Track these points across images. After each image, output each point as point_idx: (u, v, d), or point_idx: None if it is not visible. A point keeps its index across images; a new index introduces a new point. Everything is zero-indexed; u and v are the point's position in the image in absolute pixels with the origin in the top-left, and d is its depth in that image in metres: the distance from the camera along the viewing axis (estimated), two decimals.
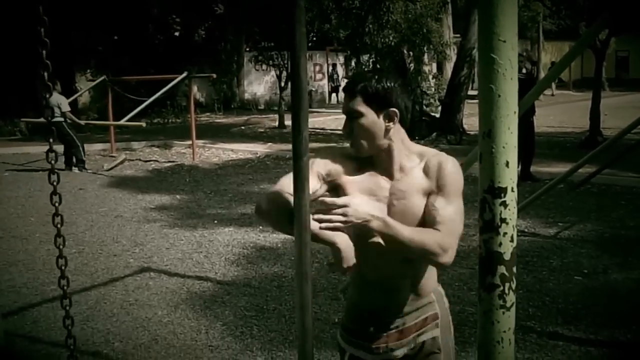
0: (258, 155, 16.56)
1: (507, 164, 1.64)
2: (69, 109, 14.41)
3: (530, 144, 11.66)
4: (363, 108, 2.45)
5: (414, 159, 2.57)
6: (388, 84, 2.47)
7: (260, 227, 8.90)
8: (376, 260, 2.51)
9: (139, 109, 15.40)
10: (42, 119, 14.59)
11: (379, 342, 2.60)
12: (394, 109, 2.48)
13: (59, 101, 13.99)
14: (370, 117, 2.46)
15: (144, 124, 14.98)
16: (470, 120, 19.98)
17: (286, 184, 2.34)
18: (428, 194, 2.50)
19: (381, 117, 2.47)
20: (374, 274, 2.58)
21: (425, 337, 2.62)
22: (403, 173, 2.54)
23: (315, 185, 2.43)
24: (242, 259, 7.57)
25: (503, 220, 1.67)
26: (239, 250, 7.91)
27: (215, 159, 16.38)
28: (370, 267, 2.55)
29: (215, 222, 9.35)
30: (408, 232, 2.34)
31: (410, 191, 2.50)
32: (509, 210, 1.67)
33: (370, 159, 2.56)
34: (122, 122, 15.34)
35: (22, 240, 8.55)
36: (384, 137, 2.50)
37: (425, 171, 2.52)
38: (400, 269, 2.56)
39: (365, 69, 19.95)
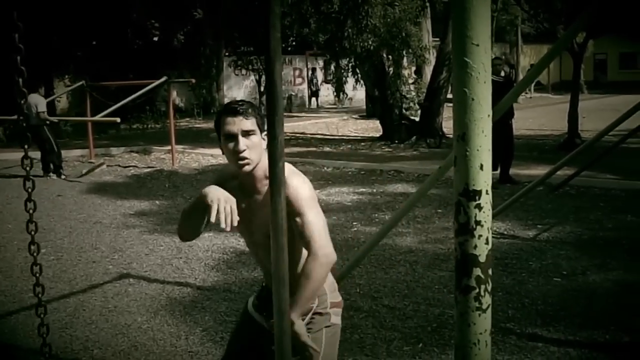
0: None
1: (481, 167, 1.65)
2: (45, 109, 14.26)
3: (509, 147, 11.72)
4: (255, 127, 2.84)
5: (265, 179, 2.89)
6: (262, 113, 2.85)
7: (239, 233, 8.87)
8: (260, 257, 3.10)
9: (116, 106, 15.18)
10: (15, 117, 14.47)
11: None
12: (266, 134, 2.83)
13: (37, 102, 13.87)
14: (259, 137, 2.84)
15: (118, 119, 14.79)
16: (449, 123, 19.91)
17: None
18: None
19: (262, 137, 2.85)
20: (263, 266, 3.10)
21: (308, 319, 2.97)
22: (261, 190, 2.91)
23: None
24: (221, 264, 7.56)
25: (478, 223, 1.67)
26: (218, 256, 7.89)
27: (194, 164, 16.33)
28: (261, 262, 3.12)
29: None
30: (303, 296, 2.76)
31: (266, 205, 2.76)
32: (484, 213, 1.67)
33: (242, 181, 2.94)
34: (98, 117, 15.21)
35: (0, 248, 8.47)
36: (261, 155, 2.84)
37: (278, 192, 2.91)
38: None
39: (342, 73, 20.00)
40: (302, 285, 2.71)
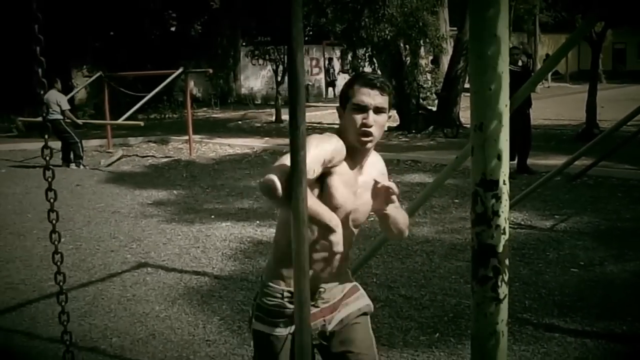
0: (255, 150, 16.57)
1: (498, 157, 1.65)
2: (69, 107, 14.43)
3: (527, 137, 11.67)
4: (387, 106, 2.71)
5: (375, 156, 2.92)
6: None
7: (258, 222, 8.92)
8: (336, 250, 2.59)
9: (135, 107, 15.37)
10: (38, 118, 14.62)
11: (315, 318, 2.74)
12: (391, 114, 2.83)
13: (59, 99, 14.01)
14: (387, 117, 2.73)
15: (142, 124, 14.95)
16: (467, 113, 19.78)
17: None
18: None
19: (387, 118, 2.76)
20: (328, 261, 2.63)
21: (352, 307, 2.91)
22: (368, 168, 2.82)
23: (318, 165, 2.54)
24: (239, 254, 7.59)
25: (495, 213, 1.68)
26: (236, 245, 7.92)
27: (212, 154, 16.38)
28: (328, 257, 2.64)
29: (213, 217, 9.36)
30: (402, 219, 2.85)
31: (370, 183, 2.73)
32: (501, 203, 1.68)
33: (348, 151, 2.72)
34: (120, 121, 15.32)
35: (20, 237, 8.55)
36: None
37: (381, 168, 2.95)
38: (344, 252, 2.75)
39: (359, 63, 19.93)
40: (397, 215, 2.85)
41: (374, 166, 2.86)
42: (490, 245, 1.69)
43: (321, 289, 2.80)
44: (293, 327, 2.76)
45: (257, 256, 7.45)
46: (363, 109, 2.64)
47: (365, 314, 2.96)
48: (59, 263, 2.58)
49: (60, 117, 13.88)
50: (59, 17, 22.27)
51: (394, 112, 20.62)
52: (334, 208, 2.59)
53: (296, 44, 1.86)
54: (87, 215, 9.66)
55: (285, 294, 2.74)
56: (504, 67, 1.61)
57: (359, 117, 2.65)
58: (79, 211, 9.92)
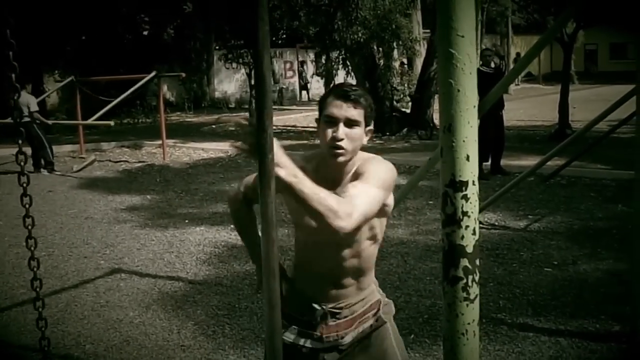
0: (229, 154, 16.51)
1: (467, 158, 1.66)
2: (37, 109, 14.29)
3: (500, 138, 11.74)
4: (362, 119, 2.57)
5: (356, 167, 2.66)
6: (374, 106, 2.68)
7: (232, 226, 8.87)
8: (325, 252, 2.65)
9: (107, 108, 15.27)
10: (9, 120, 14.50)
11: (329, 331, 2.74)
12: (372, 129, 2.67)
13: (28, 101, 13.89)
14: (362, 130, 2.59)
15: (112, 123, 14.83)
16: None
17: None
18: None
19: (365, 132, 2.61)
20: (323, 265, 2.71)
21: (371, 319, 2.81)
22: (342, 182, 2.61)
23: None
24: (213, 258, 7.56)
25: (465, 214, 1.68)
26: (210, 250, 7.89)
27: (186, 158, 16.31)
28: (320, 259, 2.71)
29: (187, 221, 9.31)
30: (309, 186, 2.20)
31: None
32: (471, 204, 1.68)
33: (320, 167, 2.65)
34: (90, 121, 15.21)
35: None
36: (358, 150, 2.62)
37: (355, 172, 2.60)
38: (348, 261, 2.71)
39: (333, 65, 19.94)
40: (321, 190, 2.22)
41: (346, 184, 2.58)
42: (461, 246, 1.70)
43: (341, 304, 2.74)
44: (304, 340, 2.78)
45: (232, 260, 7.42)
46: (334, 121, 2.54)
47: (378, 328, 2.83)
48: (35, 269, 2.56)
49: (29, 119, 13.76)
50: (30, 21, 22.07)
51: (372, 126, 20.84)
52: (305, 224, 2.58)
53: (262, 47, 1.85)
54: (60, 222, 9.57)
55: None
56: (471, 68, 1.62)
57: (329, 131, 2.55)
58: (51, 217, 9.83)
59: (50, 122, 15.19)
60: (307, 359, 2.78)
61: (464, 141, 1.64)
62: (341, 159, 2.56)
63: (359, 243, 2.69)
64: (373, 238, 2.72)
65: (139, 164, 15.46)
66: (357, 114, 2.55)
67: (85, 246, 8.23)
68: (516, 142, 15.18)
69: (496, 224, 8.48)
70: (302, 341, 2.77)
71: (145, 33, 32.41)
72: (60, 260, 7.64)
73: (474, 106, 1.64)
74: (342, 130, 2.53)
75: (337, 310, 2.74)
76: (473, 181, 1.67)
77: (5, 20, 2.41)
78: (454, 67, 1.61)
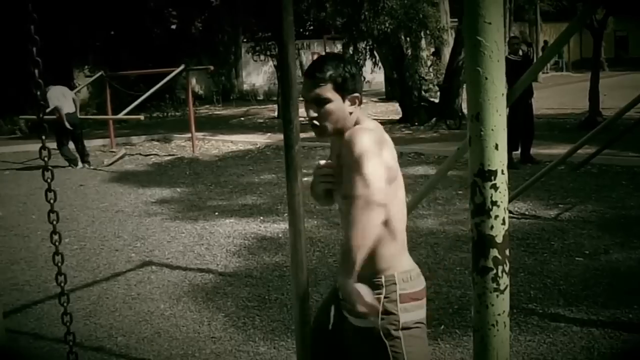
0: (258, 146, 16.56)
1: (496, 147, 1.64)
2: (74, 95, 14.45)
3: (529, 126, 11.64)
4: (331, 95, 2.57)
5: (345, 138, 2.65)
6: (353, 71, 2.62)
7: (261, 218, 8.92)
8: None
9: (136, 102, 15.40)
10: (35, 117, 14.58)
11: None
12: (357, 94, 2.65)
13: (62, 91, 14.01)
14: (338, 103, 2.59)
15: (142, 117, 14.93)
16: None
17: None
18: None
19: (347, 101, 2.61)
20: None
21: (366, 321, 2.59)
22: (340, 152, 2.63)
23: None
24: (243, 250, 7.58)
25: (494, 203, 1.66)
26: (240, 242, 7.91)
27: (215, 151, 16.37)
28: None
29: (216, 213, 9.35)
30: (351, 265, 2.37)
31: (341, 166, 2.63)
32: (500, 193, 1.66)
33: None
34: (120, 115, 15.31)
35: (24, 238, 8.56)
36: (346, 120, 2.62)
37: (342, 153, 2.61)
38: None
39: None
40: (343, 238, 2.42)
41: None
42: (490, 236, 1.68)
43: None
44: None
45: (261, 252, 7.44)
46: (305, 102, 2.58)
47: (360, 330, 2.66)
48: (59, 264, 2.58)
49: (73, 109, 13.94)
50: (59, 17, 22.25)
51: (396, 105, 20.43)
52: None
53: (287, 37, 1.85)
54: (91, 215, 9.66)
55: None
56: (499, 56, 1.60)
57: (305, 111, 2.59)
58: (82, 211, 9.93)
59: (81, 116, 15.22)
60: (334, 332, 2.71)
61: (492, 130, 1.62)
62: (320, 134, 2.62)
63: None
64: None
65: (169, 157, 15.55)
66: (323, 91, 2.56)
67: (116, 239, 8.30)
68: (546, 131, 15.04)
69: (526, 213, 8.41)
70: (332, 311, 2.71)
71: (174, 27, 32.51)
72: (92, 254, 7.71)
73: (502, 94, 1.62)
74: (311, 109, 2.58)
75: None
76: (502, 170, 1.65)
77: (30, 17, 2.43)
78: (482, 54, 1.59)
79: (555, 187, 9.73)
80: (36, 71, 2.47)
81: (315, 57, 23.60)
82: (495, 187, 1.65)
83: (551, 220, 8.09)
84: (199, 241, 8.01)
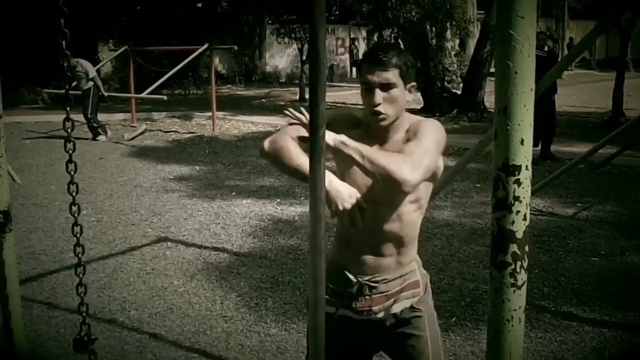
0: (278, 128, 16.33)
1: (522, 142, 1.63)
2: (95, 74, 14.56)
3: (551, 123, 11.58)
4: (397, 80, 2.56)
5: (400, 132, 2.67)
6: (413, 60, 2.63)
7: (278, 200, 8.94)
8: (367, 215, 2.58)
9: (160, 81, 15.42)
10: (63, 92, 14.68)
11: (363, 304, 2.70)
12: (414, 84, 2.65)
13: (86, 68, 14.12)
14: (401, 89, 2.59)
15: (165, 97, 14.95)
16: (491, 97, 19.20)
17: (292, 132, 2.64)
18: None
19: (406, 90, 2.61)
20: (363, 232, 2.63)
21: (406, 302, 2.72)
22: (394, 140, 2.65)
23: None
24: (258, 231, 7.61)
25: (516, 199, 1.66)
26: (256, 222, 7.94)
27: (235, 131, 16.40)
28: (363, 234, 2.65)
29: (234, 193, 9.38)
30: (365, 149, 2.42)
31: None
32: (523, 189, 1.66)
33: (369, 131, 2.66)
34: (144, 94, 15.36)
35: (42, 207, 8.63)
36: (403, 110, 2.63)
37: (407, 134, 2.63)
38: (387, 225, 2.66)
39: (386, 42, 19.78)
40: (377, 151, 2.47)
41: (395, 144, 2.63)
42: (510, 231, 1.67)
43: (377, 277, 2.68)
44: (337, 309, 2.73)
45: (277, 234, 7.47)
46: (370, 87, 2.57)
47: (413, 317, 2.74)
48: (78, 235, 2.60)
49: (90, 85, 14.04)
50: None
51: (418, 95, 20.45)
52: (353, 183, 2.58)
53: (318, 22, 1.84)
54: (110, 188, 9.73)
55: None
56: (530, 50, 1.59)
57: (367, 97, 2.58)
58: (101, 184, 9.99)
59: (106, 94, 15.34)
60: (340, 327, 2.71)
61: (519, 125, 1.62)
62: (383, 122, 2.60)
63: (400, 204, 2.64)
64: (416, 202, 2.68)
65: (189, 135, 15.60)
66: (391, 75, 2.55)
67: (133, 214, 8.35)
68: (567, 128, 14.94)
69: (544, 210, 8.38)
70: (341, 311, 2.72)
71: (199, 5, 32.49)
72: (109, 227, 7.77)
73: (531, 89, 1.61)
74: (378, 95, 2.55)
75: (373, 284, 2.69)
76: (526, 166, 1.64)
77: None
78: (513, 48, 1.58)
79: (574, 185, 9.68)
80: (64, 42, 2.48)
81: (340, 42, 23.62)
82: (518, 182, 1.65)
83: (568, 219, 8.05)
84: (215, 220, 8.04)
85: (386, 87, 2.55)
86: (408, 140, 2.55)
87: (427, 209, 2.79)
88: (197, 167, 11.45)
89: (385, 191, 2.55)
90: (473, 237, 7.29)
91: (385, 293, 2.69)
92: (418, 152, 2.44)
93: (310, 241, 2.06)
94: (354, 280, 2.69)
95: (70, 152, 2.53)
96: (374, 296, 2.69)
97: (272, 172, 10.80)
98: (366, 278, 2.68)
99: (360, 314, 2.71)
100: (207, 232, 7.56)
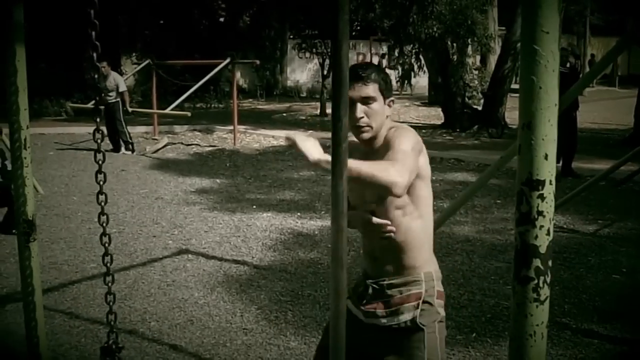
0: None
1: (546, 157, 1.64)
2: (126, 89, 14.67)
3: (573, 140, 11.53)
4: (377, 94, 2.73)
5: (384, 138, 2.82)
6: (389, 79, 2.84)
7: (299, 214, 8.96)
8: (365, 231, 2.87)
9: (182, 97, 15.47)
10: (89, 104, 14.89)
11: (369, 306, 2.85)
12: (392, 99, 2.84)
13: (117, 82, 14.25)
14: (381, 104, 2.75)
15: (189, 114, 15.02)
16: (512, 114, 19.76)
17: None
18: None
19: (386, 103, 2.79)
20: (368, 244, 2.92)
21: (408, 315, 2.77)
22: (377, 150, 2.77)
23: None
24: (279, 245, 7.63)
25: (540, 213, 1.67)
26: (276, 236, 7.96)
27: (256, 144, 16.46)
28: (365, 235, 2.92)
29: (254, 207, 9.41)
30: (350, 162, 2.41)
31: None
32: (547, 203, 1.67)
33: (354, 147, 2.76)
34: (167, 111, 15.47)
35: (65, 218, 8.70)
36: (384, 123, 2.78)
37: (384, 143, 2.75)
38: (383, 241, 2.80)
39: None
40: (364, 162, 2.51)
41: (379, 154, 2.72)
42: (534, 246, 1.68)
43: (382, 281, 2.83)
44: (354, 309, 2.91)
45: (297, 248, 7.48)
46: (352, 102, 2.66)
47: (412, 331, 2.77)
48: (107, 244, 2.64)
49: (116, 100, 14.15)
50: (110, 4, 22.52)
51: (438, 110, 20.33)
52: (353, 200, 2.77)
53: (341, 35, 1.86)
54: (131, 200, 9.79)
55: None
56: (554, 65, 1.60)
57: (350, 112, 2.63)
58: (123, 196, 10.06)
59: (130, 108, 15.45)
60: (350, 326, 2.76)
61: (543, 139, 1.62)
62: (366, 135, 2.76)
63: (388, 212, 2.77)
64: (402, 207, 2.76)
65: (210, 148, 15.67)
66: (371, 90, 2.72)
67: (154, 226, 8.40)
68: (588, 145, 14.85)
69: (565, 226, 8.33)
70: (352, 309, 2.87)
71: (221, 20, 32.72)
72: (130, 238, 7.82)
73: (555, 104, 1.62)
74: (360, 109, 2.71)
75: (378, 287, 2.83)
76: (550, 181, 1.65)
77: (90, 1, 2.48)
78: (537, 63, 1.59)
79: (596, 202, 9.62)
80: (94, 55, 2.52)
81: (361, 57, 23.69)
82: (542, 197, 1.66)
83: (589, 236, 8.01)
84: (236, 233, 8.07)
85: (367, 100, 2.71)
86: (387, 148, 2.66)
87: (425, 215, 2.83)
88: (218, 180, 11.50)
89: (372, 198, 2.77)
90: (494, 253, 7.27)
91: (390, 299, 2.79)
92: (399, 157, 2.56)
93: (332, 254, 2.07)
94: (364, 281, 2.90)
95: (100, 162, 2.57)
96: (379, 300, 2.82)
97: (293, 186, 10.85)
98: (373, 280, 2.86)
99: (367, 315, 2.84)
100: (228, 245, 7.59)
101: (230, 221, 8.60)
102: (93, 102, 2.87)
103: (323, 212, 8.86)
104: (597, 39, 43.12)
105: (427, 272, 2.83)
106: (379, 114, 2.74)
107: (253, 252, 7.32)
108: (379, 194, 2.73)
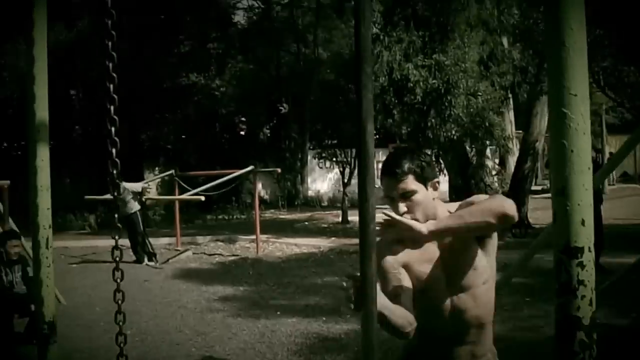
0: (321, 250, 16.50)
1: (582, 223, 1.59)
2: (140, 190, 14.74)
3: (599, 233, 11.34)
4: (415, 185, 2.62)
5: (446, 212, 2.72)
6: (427, 159, 2.70)
7: (324, 318, 8.80)
8: (446, 317, 2.71)
9: (204, 187, 15.61)
10: (109, 196, 14.92)
11: None
12: (437, 179, 2.71)
13: (132, 188, 14.35)
14: (423, 192, 2.63)
15: (202, 198, 15.01)
16: (534, 214, 19.66)
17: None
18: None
19: (429, 189, 2.66)
20: (443, 331, 2.73)
21: None
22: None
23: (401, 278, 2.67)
24: (305, 350, 7.46)
25: (581, 282, 1.60)
26: (301, 341, 7.80)
27: (278, 252, 16.39)
28: (440, 324, 2.72)
29: (278, 313, 9.27)
30: (456, 214, 2.57)
31: (450, 249, 2.69)
32: (587, 272, 1.60)
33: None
34: (184, 196, 15.53)
35: (87, 328, 8.60)
36: (433, 207, 2.67)
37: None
38: (465, 318, 2.73)
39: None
40: (465, 211, 2.56)
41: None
42: (576, 317, 1.61)
43: None
44: None
45: (323, 352, 7.31)
46: (391, 200, 2.64)
47: None
48: (122, 344, 2.59)
49: (134, 212, 14.23)
50: (134, 120, 23.05)
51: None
52: (424, 290, 2.67)
53: (365, 113, 1.85)
54: (154, 309, 9.69)
55: None
56: (585, 128, 1.57)
57: (393, 209, 2.63)
58: (145, 305, 9.97)
59: (145, 198, 15.48)
60: None
61: (579, 205, 1.57)
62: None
63: (474, 286, 2.72)
64: (487, 282, 2.76)
65: (233, 257, 15.61)
66: (406, 184, 2.61)
67: (177, 333, 8.28)
68: (614, 240, 14.63)
69: (597, 321, 8.08)
70: None
71: (242, 133, 33.30)
72: (152, 346, 7.69)
73: (589, 167, 1.57)
74: (401, 206, 2.62)
75: None
76: (589, 247, 1.59)
77: (111, 119, 2.51)
78: (567, 127, 1.56)
79: (627, 295, 9.38)
80: (114, 172, 2.54)
81: (379, 165, 23.74)
82: (581, 265, 1.59)
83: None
84: (260, 339, 7.92)
85: (406, 195, 2.62)
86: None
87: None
88: (241, 288, 11.39)
89: (462, 274, 2.68)
90: (527, 351, 7.06)
91: None
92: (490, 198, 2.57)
93: (362, 341, 2.00)
94: None
95: (119, 280, 2.57)
96: None
97: (317, 292, 10.72)
98: None
99: None
100: (252, 351, 7.43)
101: (254, 327, 8.46)
102: (117, 217, 2.90)
103: (348, 316, 8.70)
104: (614, 137, 43.28)
105: (493, 350, 2.92)
106: (422, 204, 2.62)
107: (278, 358, 7.16)
108: (464, 268, 2.69)
